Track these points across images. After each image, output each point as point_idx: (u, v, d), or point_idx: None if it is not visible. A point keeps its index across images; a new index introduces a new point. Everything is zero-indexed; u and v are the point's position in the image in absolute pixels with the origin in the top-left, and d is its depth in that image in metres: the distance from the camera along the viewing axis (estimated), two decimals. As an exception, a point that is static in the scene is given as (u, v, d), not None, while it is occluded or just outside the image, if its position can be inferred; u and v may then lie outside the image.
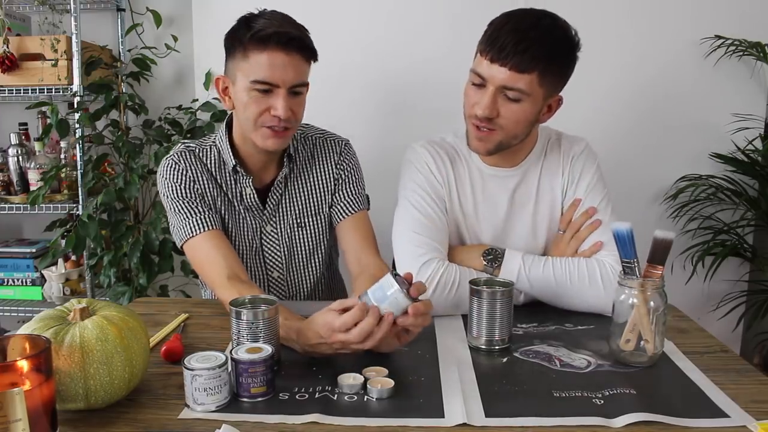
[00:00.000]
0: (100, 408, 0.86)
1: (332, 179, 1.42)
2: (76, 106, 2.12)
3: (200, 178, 1.33)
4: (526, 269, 1.22)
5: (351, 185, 1.42)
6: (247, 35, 1.20)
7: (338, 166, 1.42)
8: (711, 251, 2.10)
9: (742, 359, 1.06)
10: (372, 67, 2.18)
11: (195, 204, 1.30)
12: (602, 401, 0.88)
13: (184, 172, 1.32)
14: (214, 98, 2.22)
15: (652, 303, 1.00)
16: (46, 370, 0.76)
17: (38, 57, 2.15)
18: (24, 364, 0.74)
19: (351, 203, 1.40)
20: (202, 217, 1.29)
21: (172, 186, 1.31)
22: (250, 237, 1.38)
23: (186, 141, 1.40)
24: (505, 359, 1.04)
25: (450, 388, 0.93)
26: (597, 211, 1.29)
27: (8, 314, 2.27)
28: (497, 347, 1.08)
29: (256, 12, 1.25)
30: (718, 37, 2.06)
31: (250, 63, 1.21)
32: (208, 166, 1.34)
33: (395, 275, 0.96)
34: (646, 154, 2.18)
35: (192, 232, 1.28)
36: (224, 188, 1.35)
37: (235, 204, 1.36)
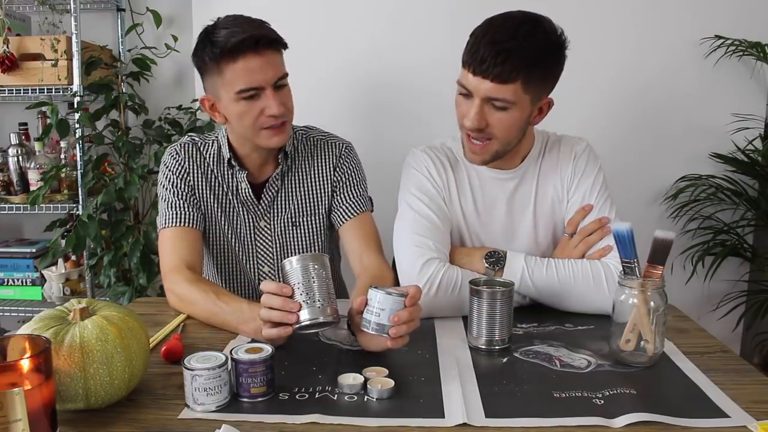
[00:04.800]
0: (100, 408, 0.86)
1: (330, 182, 1.43)
2: (76, 106, 2.12)
3: (195, 171, 1.38)
4: (529, 271, 1.22)
5: (351, 188, 1.42)
6: (214, 51, 1.21)
7: (337, 170, 1.43)
8: (711, 251, 2.10)
9: (742, 359, 1.06)
10: (369, 68, 2.18)
11: (181, 197, 1.36)
12: (602, 401, 0.88)
13: (182, 163, 1.38)
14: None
15: (652, 303, 1.00)
16: (46, 370, 0.76)
17: (38, 57, 2.15)
18: (24, 364, 0.74)
19: (352, 206, 1.41)
20: (181, 212, 1.35)
21: (166, 174, 1.38)
22: (244, 231, 1.41)
23: (192, 134, 1.45)
24: (505, 359, 1.04)
25: (450, 388, 0.93)
26: (594, 207, 1.29)
27: (8, 314, 2.28)
28: (497, 347, 1.08)
29: (211, 23, 1.26)
30: (718, 37, 2.06)
31: (228, 76, 1.22)
32: (207, 159, 1.39)
33: (376, 287, 0.98)
34: (646, 154, 2.18)
35: (166, 224, 1.34)
36: (221, 181, 1.39)
37: (231, 198, 1.39)
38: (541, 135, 1.37)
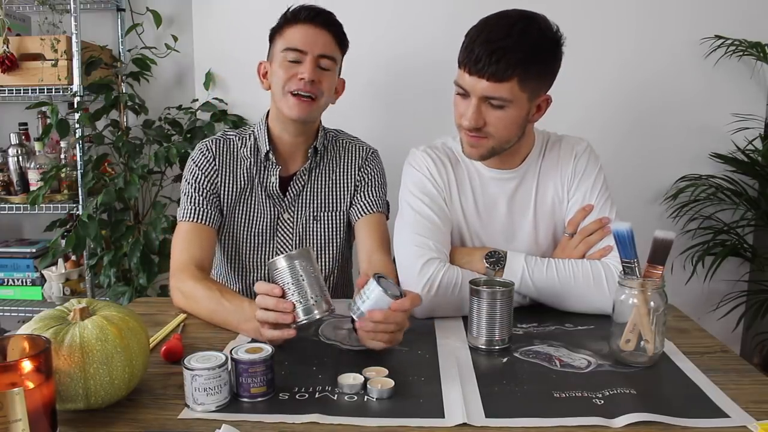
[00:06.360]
0: (100, 408, 0.86)
1: (353, 182, 1.48)
2: (76, 106, 2.12)
3: (223, 168, 1.43)
4: (529, 271, 1.22)
5: (372, 188, 1.48)
6: (285, 15, 1.38)
7: (361, 170, 1.48)
8: (711, 251, 2.10)
9: (742, 359, 1.06)
10: (369, 68, 2.18)
11: (201, 193, 1.40)
12: (602, 401, 0.88)
13: (210, 160, 1.43)
14: (214, 98, 2.23)
15: (652, 303, 1.00)
16: (46, 370, 0.75)
17: (38, 57, 2.15)
18: (24, 364, 0.74)
19: (368, 204, 1.46)
20: (200, 209, 1.39)
21: (192, 169, 1.43)
22: (266, 222, 1.45)
23: (228, 129, 1.51)
24: (505, 359, 1.04)
25: (450, 388, 0.93)
26: (595, 207, 1.29)
27: (8, 314, 2.28)
28: (497, 347, 1.08)
29: None
30: (718, 37, 2.06)
31: (284, 37, 1.37)
32: (241, 152, 1.44)
33: (379, 278, 0.99)
34: (646, 154, 2.18)
35: (184, 217, 1.39)
36: (253, 174, 1.44)
37: (260, 190, 1.44)
38: (542, 135, 1.37)
